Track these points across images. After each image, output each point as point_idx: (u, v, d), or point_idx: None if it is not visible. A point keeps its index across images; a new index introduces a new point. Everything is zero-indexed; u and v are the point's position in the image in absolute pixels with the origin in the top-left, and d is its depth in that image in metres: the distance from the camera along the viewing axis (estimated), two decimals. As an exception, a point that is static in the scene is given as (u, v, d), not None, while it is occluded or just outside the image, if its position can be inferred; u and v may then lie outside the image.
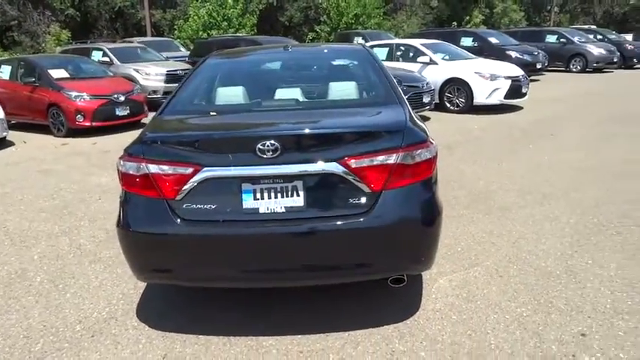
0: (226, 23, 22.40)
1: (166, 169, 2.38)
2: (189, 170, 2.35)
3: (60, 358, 2.55)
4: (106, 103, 9.14)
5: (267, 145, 2.28)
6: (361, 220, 2.35)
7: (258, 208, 2.36)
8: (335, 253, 2.42)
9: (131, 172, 2.45)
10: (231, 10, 22.50)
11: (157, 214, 2.41)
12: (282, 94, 3.17)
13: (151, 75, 11.91)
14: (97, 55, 12.74)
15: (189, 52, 16.47)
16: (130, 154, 2.47)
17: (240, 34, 19.30)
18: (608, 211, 4.38)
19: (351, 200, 2.37)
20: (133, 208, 2.49)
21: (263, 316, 2.83)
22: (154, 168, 2.39)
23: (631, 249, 3.62)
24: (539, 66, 15.70)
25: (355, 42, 19.01)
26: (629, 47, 20.67)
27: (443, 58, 10.77)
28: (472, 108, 9.96)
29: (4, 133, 8.32)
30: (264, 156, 2.29)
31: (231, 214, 2.37)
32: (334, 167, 2.32)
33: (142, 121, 9.80)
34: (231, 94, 3.05)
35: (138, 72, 11.89)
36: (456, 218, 4.29)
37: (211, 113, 2.83)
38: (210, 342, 2.61)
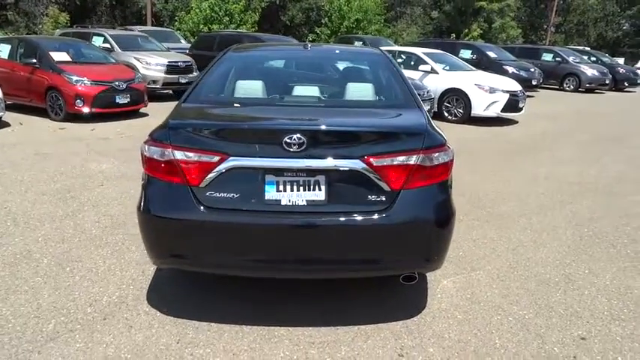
0: (228, 18, 22.41)
1: (192, 156, 2.42)
2: (216, 158, 2.40)
3: (73, 339, 2.57)
4: (107, 89, 9.08)
5: (294, 139, 2.34)
6: (380, 217, 2.43)
7: (280, 200, 2.42)
8: (352, 248, 2.48)
9: (156, 157, 2.49)
10: (234, 5, 22.51)
11: (179, 200, 2.45)
12: (303, 90, 3.24)
13: (152, 65, 11.87)
14: (97, 41, 12.64)
15: (190, 45, 16.44)
16: (155, 139, 2.52)
17: (242, 31, 19.31)
18: (602, 225, 4.52)
19: (370, 197, 2.44)
20: (155, 192, 2.53)
21: (273, 308, 2.88)
22: (179, 154, 2.43)
23: (624, 261, 3.75)
24: (534, 82, 15.96)
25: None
26: (621, 70, 21.16)
27: (443, 68, 10.92)
28: (469, 119, 10.11)
29: (1, 113, 8.22)
30: (291, 149, 2.36)
31: (253, 204, 2.43)
32: (357, 164, 2.40)
33: (142, 110, 9.78)
34: (253, 88, 3.10)
35: (138, 61, 11.83)
36: (457, 223, 4.38)
37: (235, 105, 2.88)
38: (222, 330, 2.66)
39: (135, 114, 9.62)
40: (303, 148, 2.35)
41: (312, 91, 3.24)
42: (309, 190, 2.42)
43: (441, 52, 12.22)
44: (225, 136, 2.49)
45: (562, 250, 3.93)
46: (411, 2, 34.87)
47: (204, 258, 2.54)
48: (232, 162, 2.39)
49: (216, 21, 22.29)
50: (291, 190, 2.42)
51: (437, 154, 2.48)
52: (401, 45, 24.71)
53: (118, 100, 9.22)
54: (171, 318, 2.76)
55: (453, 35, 33.88)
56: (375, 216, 2.43)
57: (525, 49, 21.18)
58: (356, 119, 2.75)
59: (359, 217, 2.42)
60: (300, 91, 3.24)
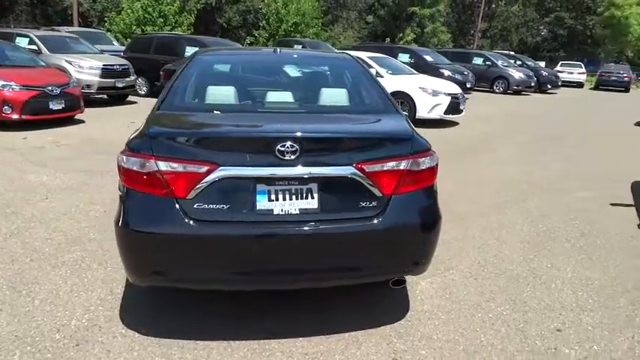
0: (162, 20, 21.66)
1: (177, 166, 2.30)
2: (204, 169, 2.29)
3: (44, 368, 2.35)
4: (39, 95, 8.42)
5: (287, 147, 2.29)
6: (372, 223, 2.42)
7: (272, 210, 2.35)
8: (345, 256, 2.46)
9: (136, 169, 2.33)
10: (168, 7, 21.80)
11: (164, 214, 2.31)
12: (281, 96, 3.18)
13: (85, 68, 11.18)
14: (22, 42, 11.72)
15: (124, 47, 15.70)
16: (134, 149, 2.36)
17: (180, 33, 18.71)
18: (554, 221, 4.80)
19: (362, 204, 2.43)
20: (137, 206, 2.37)
21: (257, 320, 2.80)
22: (163, 165, 2.30)
23: (579, 254, 4.00)
24: (468, 85, 16.76)
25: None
26: (544, 73, 22.74)
27: (387, 72, 11.18)
28: (414, 121, 10.39)
29: None
30: (284, 157, 2.29)
31: (244, 215, 2.34)
32: (349, 171, 2.38)
33: (77, 117, 9.20)
34: (228, 94, 2.98)
35: (70, 64, 11.10)
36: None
37: (215, 111, 2.76)
38: (209, 347, 2.54)
39: (70, 121, 9.02)
40: (297, 155, 2.30)
41: (290, 96, 3.18)
42: (301, 198, 2.37)
43: (385, 56, 12.51)
44: (214, 144, 2.37)
45: (523, 246, 4.13)
46: (347, 6, 35.50)
47: (190, 273, 2.41)
48: (222, 172, 2.29)
49: (149, 22, 21.46)
50: (284, 199, 2.36)
51: (424, 158, 2.51)
52: (338, 48, 25.06)
53: (51, 106, 8.57)
54: (151, 339, 2.60)
55: (388, 39, 34.89)
56: (368, 222, 2.42)
57: (458, 53, 22.21)
58: (345, 125, 2.73)
59: (352, 224, 2.41)
60: (277, 97, 3.16)
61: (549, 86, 22.46)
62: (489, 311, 3.01)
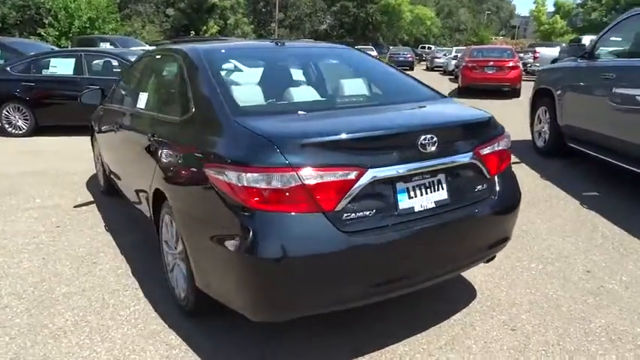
0: None
1: (324, 175, 1.90)
2: (353, 174, 1.94)
3: None
4: None
5: (427, 139, 2.11)
6: (489, 204, 2.39)
7: (413, 207, 2.12)
8: (472, 242, 2.39)
9: (273, 186, 1.85)
10: None
11: (315, 232, 1.90)
12: (346, 90, 2.86)
13: None
14: None
15: None
16: (261, 162, 1.88)
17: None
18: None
19: (478, 187, 2.38)
20: (278, 230, 1.88)
21: (345, 336, 2.48)
22: (308, 176, 1.87)
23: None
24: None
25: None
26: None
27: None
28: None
29: None
30: (425, 150, 2.11)
31: (389, 219, 2.06)
32: (470, 156, 2.32)
33: None
34: (286, 92, 2.60)
35: None
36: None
37: (299, 112, 2.32)
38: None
39: None
40: (434, 148, 2.13)
41: (355, 89, 2.89)
42: (434, 191, 2.20)
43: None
44: (360, 145, 2.03)
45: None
46: (142, 0, 33.01)
47: (338, 294, 2.02)
48: (371, 175, 1.97)
49: None
50: (421, 194, 2.15)
51: (507, 138, 2.57)
52: (149, 44, 23.24)
53: None
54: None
55: (192, 32, 33.72)
56: (486, 204, 2.38)
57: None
58: (448, 113, 2.63)
59: (475, 209, 2.34)
60: (341, 90, 2.85)
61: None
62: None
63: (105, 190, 4.79)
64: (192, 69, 2.64)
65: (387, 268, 2.11)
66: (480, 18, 73.07)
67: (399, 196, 2.09)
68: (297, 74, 3.19)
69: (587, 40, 17.87)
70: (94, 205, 4.59)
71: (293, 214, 1.89)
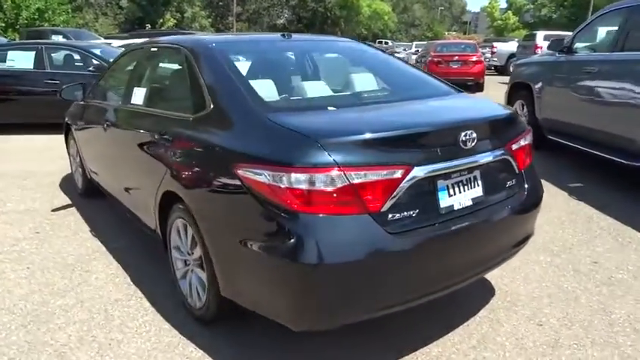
0: None
1: (371, 174, 1.80)
2: (399, 173, 1.84)
3: None
4: None
5: (468, 135, 2.05)
6: (520, 199, 2.37)
7: (452, 205, 2.05)
8: (508, 236, 2.36)
9: (319, 187, 1.73)
10: None
11: (363, 235, 1.81)
12: (366, 85, 2.74)
13: None
14: None
15: None
16: (309, 163, 1.75)
17: None
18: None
19: (508, 182, 2.35)
20: (326, 233, 1.77)
21: (380, 339, 2.41)
22: (355, 176, 1.77)
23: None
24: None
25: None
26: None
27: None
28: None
29: None
30: (465, 147, 2.05)
31: (431, 218, 1.98)
32: (502, 152, 2.28)
33: None
34: (308, 88, 2.48)
35: None
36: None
37: (329, 108, 2.20)
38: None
39: None
40: (474, 144, 2.08)
41: (374, 84, 2.78)
42: (470, 188, 2.14)
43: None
44: (404, 143, 1.94)
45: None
46: (94, -9, 31.55)
47: (383, 298, 1.94)
48: (416, 173, 1.89)
49: None
50: (459, 191, 2.09)
51: (531, 132, 2.56)
52: (106, 37, 22.29)
53: None
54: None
55: (148, 26, 32.61)
56: (518, 198, 2.36)
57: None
58: (475, 108, 2.58)
59: (507, 205, 2.30)
60: (362, 86, 2.73)
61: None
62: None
63: (83, 192, 4.50)
64: (204, 63, 2.47)
65: (431, 270, 2.04)
66: (433, 14, 74.57)
67: (440, 194, 2.03)
68: (312, 69, 3.06)
69: (540, 35, 18.72)
70: (74, 208, 4.29)
71: (341, 216, 1.79)
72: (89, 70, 7.48)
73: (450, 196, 2.06)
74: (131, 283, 2.96)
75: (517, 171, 2.38)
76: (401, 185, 1.86)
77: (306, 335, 2.32)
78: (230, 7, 43.87)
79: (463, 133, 2.04)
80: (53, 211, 4.22)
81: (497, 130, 2.32)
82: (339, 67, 3.12)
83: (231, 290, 2.14)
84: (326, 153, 1.76)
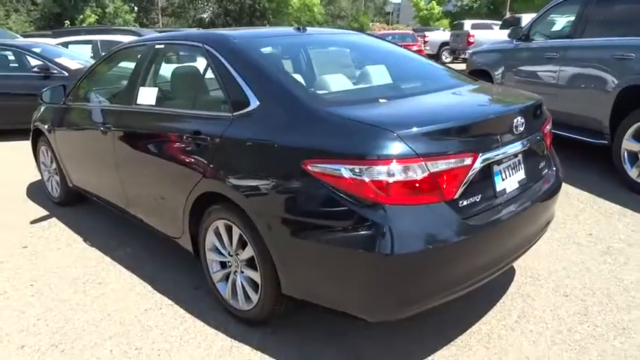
0: None
1: (447, 163, 1.86)
2: (468, 160, 1.92)
3: None
4: None
5: (519, 121, 2.19)
6: (553, 179, 2.55)
7: (505, 189, 2.17)
8: (545, 216, 2.50)
9: (402, 178, 1.76)
10: None
11: (442, 222, 1.87)
12: (396, 77, 2.75)
13: None
14: None
15: None
16: (391, 155, 1.77)
17: None
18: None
19: (541, 164, 2.51)
20: (410, 223, 1.80)
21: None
22: (434, 165, 1.82)
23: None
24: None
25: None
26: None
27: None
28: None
29: None
30: (516, 132, 2.19)
31: (491, 203, 2.09)
32: (539, 135, 2.45)
33: None
34: (353, 79, 2.48)
35: None
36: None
37: (381, 100, 2.20)
38: None
39: None
40: (523, 129, 2.22)
41: (403, 76, 2.82)
42: (516, 172, 2.27)
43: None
44: (470, 132, 2.03)
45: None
46: (2, -16, 28.86)
47: (455, 282, 2.00)
48: (482, 159, 1.98)
49: None
50: (509, 175, 2.21)
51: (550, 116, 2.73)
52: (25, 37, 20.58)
53: None
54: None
55: (67, 22, 30.47)
56: (552, 179, 2.54)
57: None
58: (517, 95, 2.69)
59: (545, 186, 2.46)
60: (393, 77, 2.73)
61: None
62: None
63: (61, 201, 4.19)
64: (237, 59, 2.38)
65: (492, 253, 2.14)
66: (358, 5, 75.80)
67: (496, 179, 2.13)
68: (341, 62, 3.04)
69: (468, 24, 19.73)
70: (54, 218, 3.99)
71: (422, 205, 1.83)
72: (34, 72, 6.90)
73: (502, 180, 2.17)
74: (154, 291, 2.82)
75: (545, 152, 2.55)
76: (470, 172, 1.94)
77: (363, 323, 2.35)
78: (154, 0, 42.04)
79: (515, 120, 2.15)
80: (32, 223, 3.90)
81: (535, 115, 2.46)
82: (362, 59, 3.12)
83: (295, 286, 2.11)
84: (406, 144, 1.79)
